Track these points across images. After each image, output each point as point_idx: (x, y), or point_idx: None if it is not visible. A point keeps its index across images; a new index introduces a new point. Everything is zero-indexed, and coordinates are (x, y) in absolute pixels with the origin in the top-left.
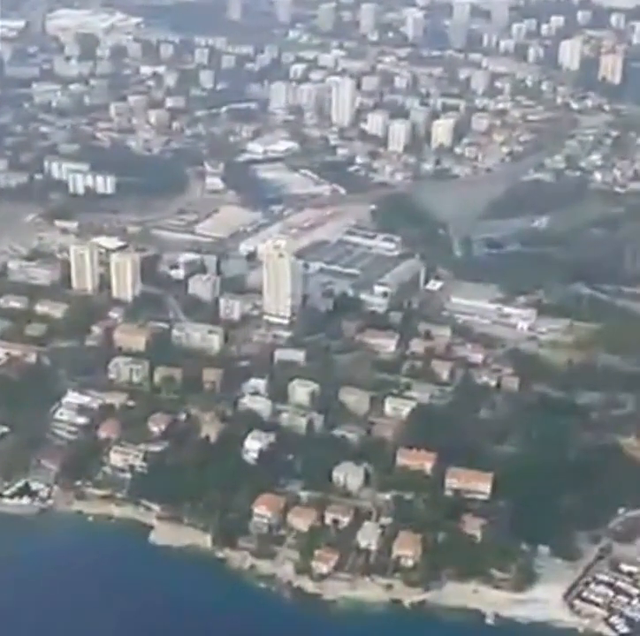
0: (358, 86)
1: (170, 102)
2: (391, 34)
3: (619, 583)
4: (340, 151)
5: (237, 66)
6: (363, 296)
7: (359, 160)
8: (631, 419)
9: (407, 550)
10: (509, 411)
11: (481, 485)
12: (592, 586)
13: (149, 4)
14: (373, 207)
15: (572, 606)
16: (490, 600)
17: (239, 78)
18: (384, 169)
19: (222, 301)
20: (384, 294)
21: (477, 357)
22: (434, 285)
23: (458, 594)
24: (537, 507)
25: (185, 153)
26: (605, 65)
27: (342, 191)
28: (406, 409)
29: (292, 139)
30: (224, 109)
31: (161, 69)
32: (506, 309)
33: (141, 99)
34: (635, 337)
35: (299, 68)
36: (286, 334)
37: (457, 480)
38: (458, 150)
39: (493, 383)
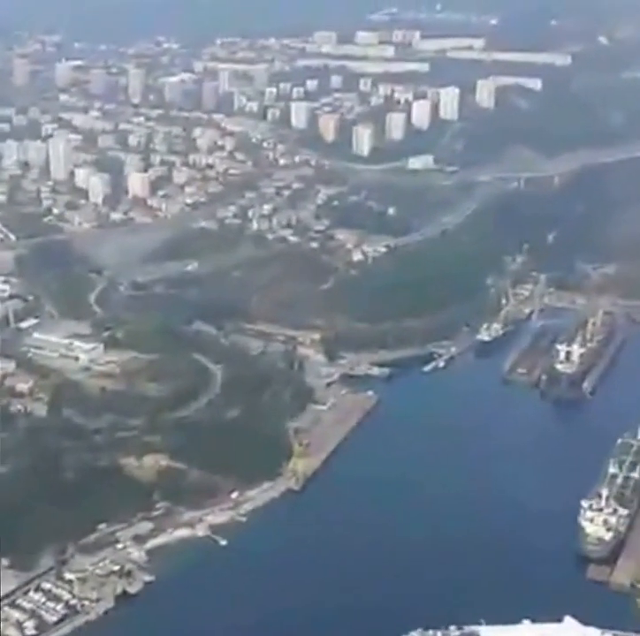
0: (94, 142)
1: None
2: (151, 97)
3: (56, 590)
4: (45, 203)
5: None
6: None
7: (55, 210)
8: (135, 440)
9: None
10: (25, 434)
11: None
12: (31, 593)
13: None
14: (22, 252)
15: None
16: None
17: None
18: (74, 219)
19: None
20: None
21: (24, 386)
22: (26, 323)
23: None
24: (6, 522)
25: None
26: (322, 125)
27: (12, 238)
28: None
29: (6, 192)
30: None
31: None
32: (76, 343)
33: None
34: (183, 368)
35: (50, 128)
36: None
37: None
38: (150, 201)
39: (24, 410)
